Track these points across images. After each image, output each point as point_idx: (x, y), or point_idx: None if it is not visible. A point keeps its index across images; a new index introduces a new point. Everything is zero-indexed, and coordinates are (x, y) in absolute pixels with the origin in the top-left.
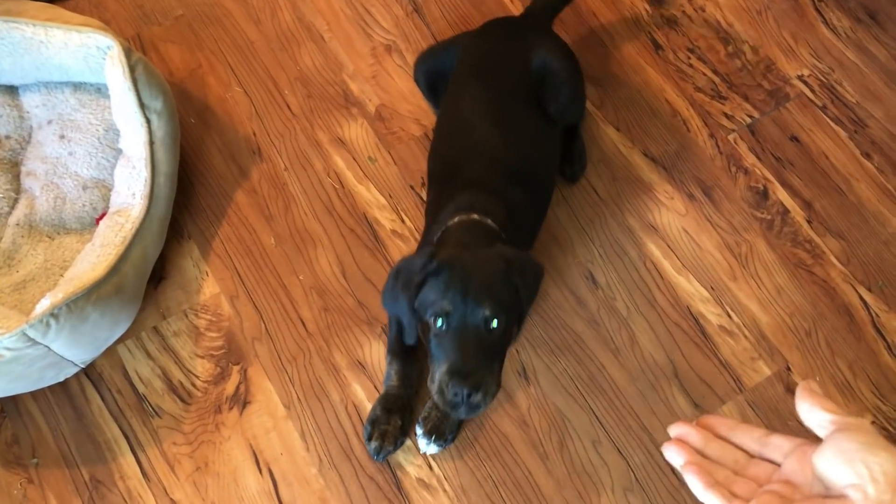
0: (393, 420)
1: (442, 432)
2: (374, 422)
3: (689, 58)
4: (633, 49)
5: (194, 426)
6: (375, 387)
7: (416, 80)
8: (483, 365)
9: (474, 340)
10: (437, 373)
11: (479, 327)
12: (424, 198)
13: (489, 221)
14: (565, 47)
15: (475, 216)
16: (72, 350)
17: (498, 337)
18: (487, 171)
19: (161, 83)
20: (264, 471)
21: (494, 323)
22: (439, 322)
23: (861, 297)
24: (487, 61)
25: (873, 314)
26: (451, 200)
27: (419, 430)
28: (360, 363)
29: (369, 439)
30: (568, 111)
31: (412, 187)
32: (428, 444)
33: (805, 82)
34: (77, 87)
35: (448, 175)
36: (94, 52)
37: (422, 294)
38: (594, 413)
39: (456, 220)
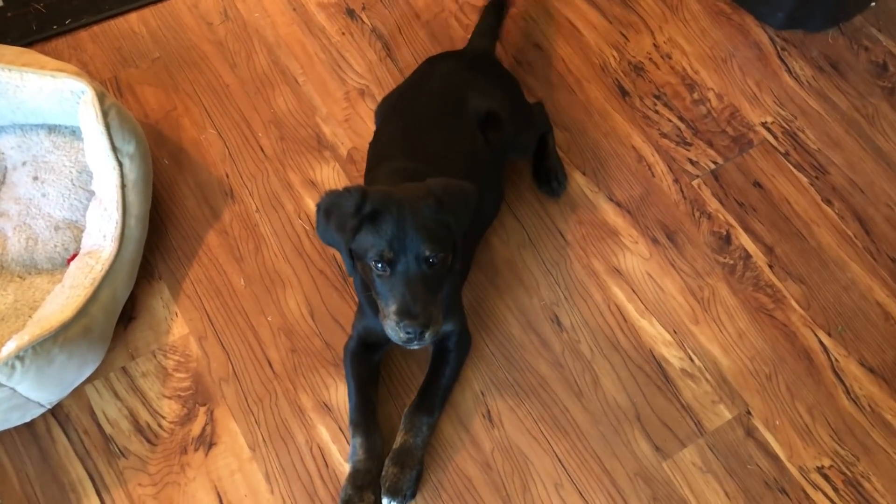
0: (366, 496)
1: (399, 489)
2: (346, 502)
3: (655, 104)
4: (600, 95)
5: (160, 467)
6: (340, 428)
7: (377, 124)
8: (429, 300)
9: (417, 279)
10: (388, 311)
11: (420, 265)
12: None
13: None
14: (500, 82)
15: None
16: (38, 392)
17: (438, 270)
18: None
19: (134, 127)
20: None
21: (433, 259)
22: (380, 265)
23: (821, 342)
24: (417, 96)
25: (832, 359)
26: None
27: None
28: (325, 405)
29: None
30: (517, 142)
31: None
32: (389, 503)
33: (768, 129)
34: (52, 129)
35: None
36: (68, 97)
37: (358, 237)
38: (557, 456)
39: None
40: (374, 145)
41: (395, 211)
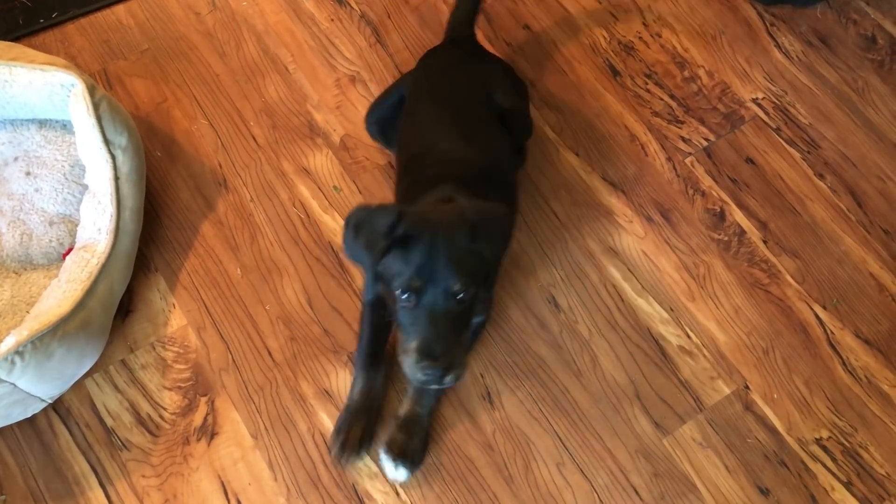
0: (354, 430)
1: (407, 454)
2: (337, 431)
3: (647, 83)
4: (591, 75)
5: (162, 458)
6: None
7: (369, 132)
8: (453, 341)
9: (443, 317)
10: (408, 347)
11: (447, 302)
12: None
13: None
14: (516, 80)
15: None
16: (38, 386)
17: (466, 307)
18: (457, 170)
19: (126, 119)
20: (233, 501)
21: (462, 296)
22: (406, 295)
23: (816, 315)
24: (440, 85)
25: (828, 331)
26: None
27: (385, 457)
28: (326, 392)
29: (333, 443)
30: (520, 137)
31: None
32: (396, 468)
33: (759, 105)
34: (43, 123)
35: (418, 191)
36: (58, 90)
37: (386, 260)
38: (558, 435)
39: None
40: (409, 140)
41: (428, 238)
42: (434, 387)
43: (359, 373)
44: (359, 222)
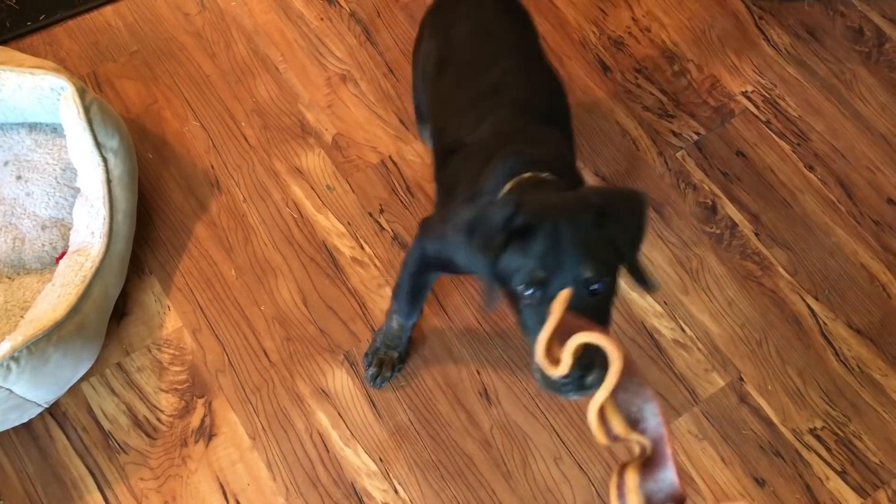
0: (390, 353)
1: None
2: (374, 352)
3: (637, 78)
4: (581, 71)
5: (161, 461)
6: (339, 414)
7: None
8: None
9: (577, 308)
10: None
11: (580, 293)
12: (383, 225)
13: (550, 176)
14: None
15: (531, 175)
16: (34, 391)
17: (602, 300)
18: (516, 117)
19: (117, 122)
20: (232, 502)
21: (597, 286)
22: (531, 291)
23: (809, 306)
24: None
25: (821, 322)
26: (491, 162)
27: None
28: (323, 391)
29: (368, 366)
30: None
31: (370, 214)
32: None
33: (749, 98)
34: (33, 127)
35: (462, 137)
36: (48, 94)
37: (505, 257)
38: (555, 430)
39: (511, 185)
40: (448, 78)
41: (551, 225)
42: (573, 394)
43: (395, 315)
44: (471, 222)
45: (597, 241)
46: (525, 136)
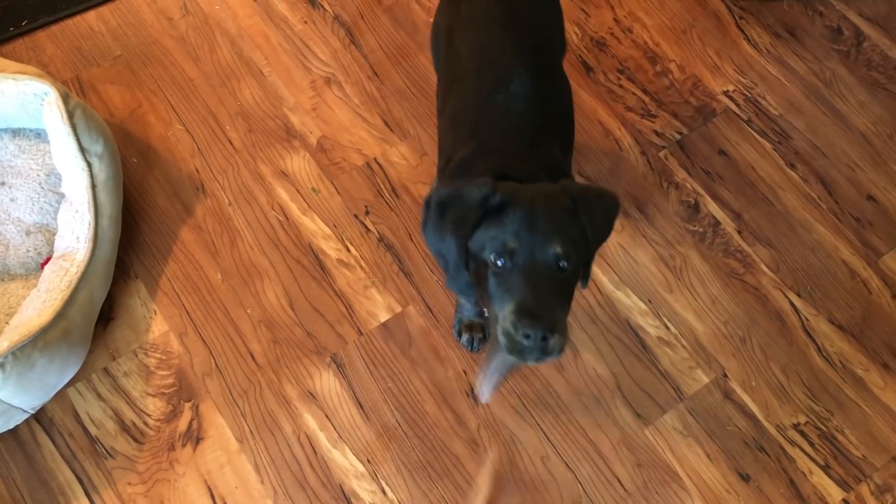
0: (474, 321)
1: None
2: (459, 321)
3: (619, 78)
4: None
5: (148, 465)
6: (327, 416)
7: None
8: (555, 303)
9: (544, 278)
10: (502, 313)
11: (548, 265)
12: (368, 227)
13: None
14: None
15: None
16: (20, 397)
17: (568, 279)
18: (510, 135)
19: (101, 126)
20: None
21: (564, 263)
22: (501, 261)
23: (791, 302)
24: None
25: (803, 318)
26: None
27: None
28: (310, 393)
29: (459, 334)
30: None
31: (356, 216)
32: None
33: (730, 97)
34: (16, 133)
35: (453, 151)
36: (31, 99)
37: (478, 233)
38: (542, 429)
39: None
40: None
41: (527, 204)
42: (533, 360)
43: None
44: (444, 199)
45: (569, 224)
46: (514, 155)
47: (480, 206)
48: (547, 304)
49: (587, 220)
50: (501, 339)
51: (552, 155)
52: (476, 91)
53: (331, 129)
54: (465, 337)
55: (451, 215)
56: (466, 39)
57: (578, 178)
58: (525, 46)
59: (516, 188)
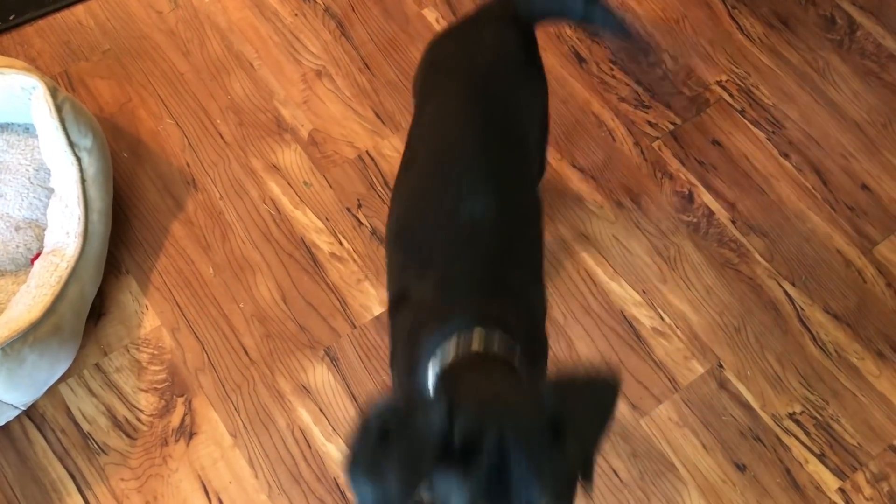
0: None
1: None
2: None
3: (612, 69)
4: (557, 62)
5: (141, 461)
6: (321, 409)
7: None
8: None
9: None
10: None
11: None
12: (361, 220)
13: (503, 345)
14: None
15: (477, 348)
16: (11, 394)
17: None
18: (474, 266)
19: (90, 120)
20: (214, 500)
21: None
22: None
23: (786, 292)
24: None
25: (798, 308)
26: (430, 323)
27: None
28: (304, 387)
29: None
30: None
31: (349, 209)
32: None
33: (724, 87)
34: (4, 127)
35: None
36: (18, 93)
37: (435, 474)
38: None
39: (451, 360)
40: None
41: (494, 442)
42: None
43: None
44: (386, 423)
45: (552, 460)
46: (483, 299)
47: (438, 446)
48: None
49: (576, 443)
50: None
51: (527, 294)
52: (434, 197)
53: (322, 122)
54: None
55: (397, 450)
56: (432, 130)
57: (572, 171)
58: (496, 162)
59: (481, 411)
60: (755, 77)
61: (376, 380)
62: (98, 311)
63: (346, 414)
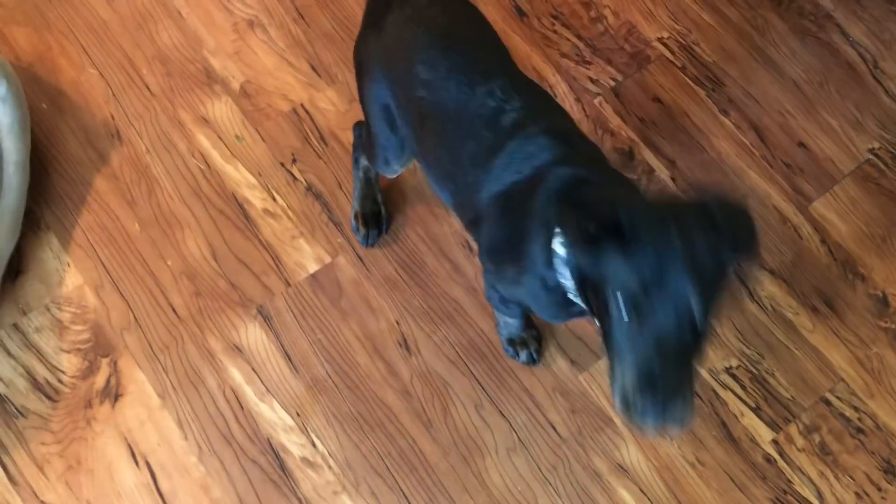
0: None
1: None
2: (510, 339)
3: (554, 24)
4: (497, 17)
5: (63, 424)
6: (253, 369)
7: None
8: (686, 374)
9: (676, 341)
10: (620, 369)
11: (682, 332)
12: (295, 175)
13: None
14: None
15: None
16: None
17: (701, 342)
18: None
19: (3, 67)
20: (141, 463)
21: (701, 325)
22: (626, 310)
23: None
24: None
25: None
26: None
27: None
28: (236, 346)
29: (516, 354)
30: None
31: (282, 164)
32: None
33: (665, 44)
34: None
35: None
36: None
37: (603, 254)
38: (475, 377)
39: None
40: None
41: (662, 232)
42: (652, 430)
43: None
44: (569, 201)
45: (711, 267)
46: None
47: (606, 229)
48: (674, 375)
49: (730, 255)
50: (616, 395)
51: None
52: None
53: (254, 74)
54: (523, 355)
55: (576, 222)
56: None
57: None
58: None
59: (649, 210)
60: (696, 34)
61: (311, 339)
62: (15, 268)
63: (280, 373)
